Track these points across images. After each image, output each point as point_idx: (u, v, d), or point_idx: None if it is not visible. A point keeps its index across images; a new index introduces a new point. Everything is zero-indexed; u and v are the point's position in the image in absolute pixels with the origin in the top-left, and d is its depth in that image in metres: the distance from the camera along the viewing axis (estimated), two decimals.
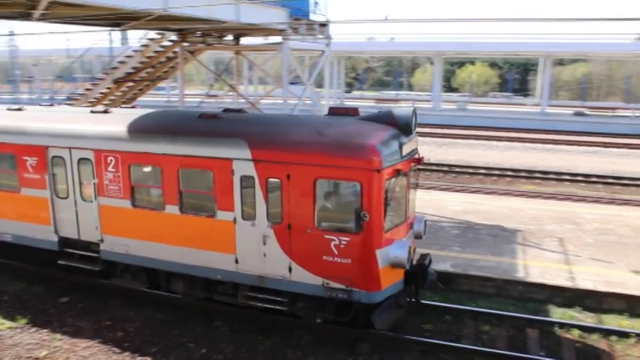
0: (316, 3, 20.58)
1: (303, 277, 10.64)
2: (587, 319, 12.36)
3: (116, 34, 52.30)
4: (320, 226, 10.35)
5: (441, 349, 10.82)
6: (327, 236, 10.31)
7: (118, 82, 21.16)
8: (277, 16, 18.19)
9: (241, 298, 11.54)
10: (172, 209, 11.68)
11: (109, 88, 21.19)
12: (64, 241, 13.36)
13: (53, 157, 13.00)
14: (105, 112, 13.73)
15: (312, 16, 20.39)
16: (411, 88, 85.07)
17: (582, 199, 23.00)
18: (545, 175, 28.41)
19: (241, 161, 10.78)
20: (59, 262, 13.41)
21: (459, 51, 56.73)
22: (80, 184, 12.78)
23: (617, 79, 75.09)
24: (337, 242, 10.26)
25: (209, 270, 11.56)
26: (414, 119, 10.94)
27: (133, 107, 15.27)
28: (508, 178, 27.83)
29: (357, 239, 10.13)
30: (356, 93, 77.22)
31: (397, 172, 10.34)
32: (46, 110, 15.10)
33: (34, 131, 13.23)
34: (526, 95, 72.92)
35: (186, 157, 11.33)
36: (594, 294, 12.96)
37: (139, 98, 23.70)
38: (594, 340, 11.32)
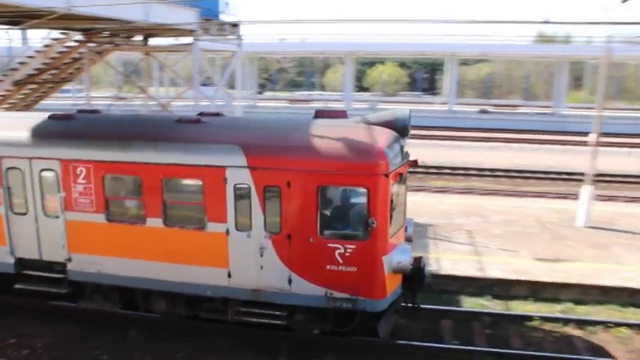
0: (227, 3, 20.38)
1: (305, 289, 10.16)
2: (497, 306, 12.99)
3: (15, 33, 49.43)
4: (323, 235, 9.90)
5: (359, 346, 10.87)
6: (331, 245, 9.88)
7: (18, 84, 20.01)
8: (187, 17, 17.87)
9: (232, 315, 10.86)
10: (155, 222, 10.76)
11: (8, 91, 19.99)
12: (22, 263, 11.93)
13: (8, 168, 11.57)
14: (69, 117, 12.31)
15: (223, 17, 20.19)
16: (323, 88, 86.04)
17: (489, 192, 24.15)
18: (454, 171, 29.57)
19: (235, 168, 10.10)
20: (16, 286, 11.94)
21: (370, 51, 58.03)
22: (42, 198, 11.51)
23: (517, 79, 79.45)
24: (342, 250, 9.85)
25: (197, 286, 10.76)
26: (410, 121, 10.75)
27: (95, 111, 13.51)
28: (419, 175, 28.74)
29: (363, 246, 9.77)
30: (268, 94, 77.18)
31: (400, 176, 10.23)
32: None
33: None
34: (434, 94, 75.63)
35: (171, 166, 10.48)
36: (502, 282, 13.68)
37: (42, 102, 22.51)
38: (503, 326, 11.92)
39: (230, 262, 10.48)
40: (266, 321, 10.62)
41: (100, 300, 11.87)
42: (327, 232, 9.92)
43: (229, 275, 10.52)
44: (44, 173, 11.36)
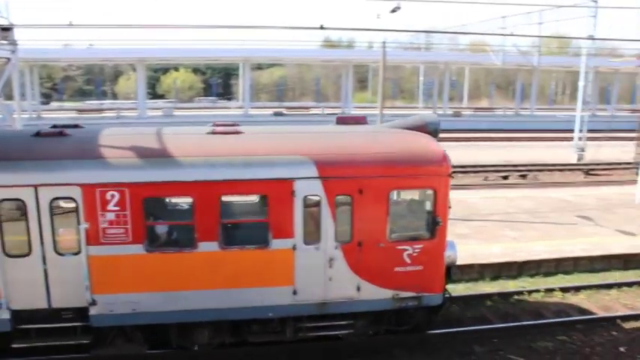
0: None
1: (373, 294, 10.21)
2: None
3: None
4: (392, 238, 10.10)
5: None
6: (399, 247, 10.15)
7: None
8: None
9: (290, 333, 10.40)
10: (209, 246, 9.58)
11: None
12: (19, 316, 9.47)
13: (2, 200, 9.11)
14: (74, 126, 10.11)
15: None
16: (115, 96, 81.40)
17: None
18: None
19: (305, 180, 9.65)
20: (14, 345, 9.56)
21: (161, 57, 56.31)
22: (53, 232, 9.27)
23: (309, 82, 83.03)
24: (410, 251, 10.19)
25: (257, 310, 10.01)
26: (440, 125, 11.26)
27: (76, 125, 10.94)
28: None
29: (430, 245, 10.27)
30: (55, 104, 70.65)
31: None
32: None
33: None
34: (230, 99, 75.78)
35: (230, 182, 9.49)
36: None
37: None
38: None
39: (296, 279, 9.98)
40: (330, 333, 10.49)
41: (122, 344, 10.12)
42: (395, 236, 10.15)
43: (294, 292, 10.04)
44: (57, 202, 9.28)
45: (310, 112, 59.36)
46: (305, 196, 9.74)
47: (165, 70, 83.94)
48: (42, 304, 9.49)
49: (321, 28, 10.85)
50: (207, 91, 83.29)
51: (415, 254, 10.26)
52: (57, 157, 9.32)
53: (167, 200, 10.32)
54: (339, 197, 9.86)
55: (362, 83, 79.92)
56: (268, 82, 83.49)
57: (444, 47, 61.58)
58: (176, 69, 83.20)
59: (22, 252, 9.30)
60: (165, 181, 9.39)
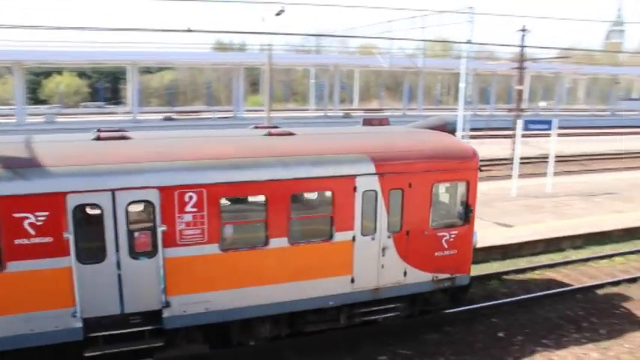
0: None
1: (417, 277, 11.52)
2: None
3: None
4: (433, 226, 11.49)
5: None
6: (439, 234, 11.59)
7: None
8: None
9: (344, 319, 11.37)
10: (279, 242, 10.18)
11: None
12: (90, 324, 9.31)
13: (78, 206, 8.97)
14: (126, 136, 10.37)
15: None
16: None
17: None
18: None
19: (364, 176, 10.64)
20: (86, 354, 9.32)
21: (42, 60, 53.10)
22: (129, 236, 9.26)
23: (200, 85, 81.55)
24: (448, 237, 11.65)
25: (319, 300, 10.76)
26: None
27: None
28: None
29: (464, 231, 11.87)
30: None
31: None
32: (49, 138, 10.58)
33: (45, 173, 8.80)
34: (118, 103, 72.76)
35: (300, 180, 10.19)
36: None
37: None
38: None
39: (354, 268, 10.90)
40: (379, 316, 11.61)
41: (185, 345, 10.29)
42: (436, 224, 11.57)
43: (352, 281, 10.95)
44: (133, 206, 9.38)
45: (201, 117, 58.30)
46: (364, 191, 10.76)
47: (47, 73, 79.08)
48: (114, 310, 9.40)
49: (189, 30, 10.72)
50: (94, 95, 79.55)
51: (451, 240, 11.79)
52: (134, 161, 9.41)
53: (245, 199, 10.63)
54: (392, 191, 11.02)
55: (255, 86, 79.66)
56: (159, 86, 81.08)
57: (335, 50, 62.82)
58: (60, 72, 78.64)
59: (96, 258, 9.22)
60: (241, 181, 9.79)
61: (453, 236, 11.80)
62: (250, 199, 10.53)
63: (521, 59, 32.01)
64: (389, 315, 11.75)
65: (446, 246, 11.77)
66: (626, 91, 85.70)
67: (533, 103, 66.82)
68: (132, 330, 9.55)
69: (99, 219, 9.18)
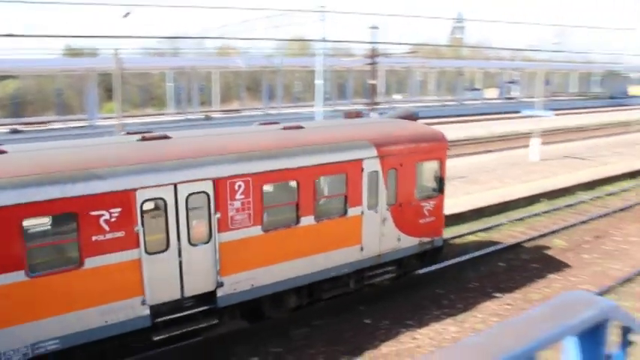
0: None
1: (408, 242, 13.73)
2: None
3: None
4: (418, 198, 13.80)
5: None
6: (422, 204, 13.92)
7: None
8: None
9: (353, 284, 13.19)
10: (308, 220, 11.81)
11: None
12: (155, 310, 10.08)
13: (146, 200, 9.75)
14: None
15: None
16: None
17: None
18: None
19: (369, 159, 12.62)
20: (155, 339, 10.17)
21: None
22: (188, 225, 10.21)
23: (50, 93, 76.10)
24: (428, 206, 14.00)
25: (337, 268, 12.47)
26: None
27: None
28: None
29: (439, 200, 14.28)
30: None
31: None
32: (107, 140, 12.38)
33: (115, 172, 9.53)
34: None
35: (322, 166, 11.88)
36: None
37: None
38: None
39: (363, 238, 12.78)
40: (381, 278, 13.76)
41: (229, 322, 11.52)
42: (419, 196, 13.85)
43: (361, 249, 12.84)
44: (193, 197, 10.29)
45: (53, 127, 54.40)
46: (369, 172, 12.73)
47: None
48: (176, 295, 10.28)
49: (9, 35, 9.84)
50: None
51: (430, 208, 14.19)
52: (191, 156, 10.40)
53: (281, 185, 11.88)
54: (389, 171, 13.11)
55: (110, 92, 75.78)
56: (2, 96, 74.48)
57: (192, 52, 61.46)
58: None
59: (160, 248, 10.05)
60: (279, 169, 11.24)
61: (431, 205, 14.29)
62: (287, 184, 11.92)
63: (374, 55, 33.39)
64: (386, 277, 13.98)
65: (427, 214, 14.21)
66: (470, 82, 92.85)
67: (389, 97, 70.09)
68: (192, 312, 10.55)
69: (163, 211, 10.05)
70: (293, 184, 11.72)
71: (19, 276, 8.61)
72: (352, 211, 12.59)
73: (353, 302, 13.75)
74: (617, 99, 78.90)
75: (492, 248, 17.66)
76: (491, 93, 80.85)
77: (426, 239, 14.26)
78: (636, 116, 47.07)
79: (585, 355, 1.96)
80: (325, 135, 12.88)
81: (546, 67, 66.83)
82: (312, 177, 11.79)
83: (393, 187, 13.32)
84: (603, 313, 1.91)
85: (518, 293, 14.80)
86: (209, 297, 10.74)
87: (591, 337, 1.93)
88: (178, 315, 10.45)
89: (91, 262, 9.27)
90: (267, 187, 11.35)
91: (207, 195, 10.42)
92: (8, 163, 9.18)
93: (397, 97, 73.01)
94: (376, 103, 32.57)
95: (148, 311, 9.96)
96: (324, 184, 12.80)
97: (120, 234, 9.49)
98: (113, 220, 9.39)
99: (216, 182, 10.43)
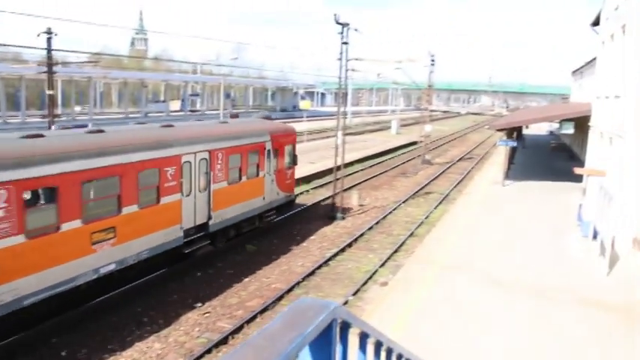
0: None
1: (282, 195, 22.20)
2: None
3: None
4: (285, 167, 22.29)
5: None
6: (287, 171, 22.54)
7: None
8: None
9: (259, 222, 20.96)
10: (243, 179, 19.28)
11: None
12: (184, 233, 16.50)
13: (184, 163, 16.40)
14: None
15: None
16: None
17: None
18: None
19: (267, 142, 20.68)
20: (186, 251, 16.69)
21: None
22: (198, 179, 17.00)
23: None
24: (289, 173, 22.91)
25: (252, 211, 20.06)
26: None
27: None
28: None
29: (293, 170, 23.44)
30: None
31: None
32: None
33: None
34: None
35: (238, 146, 18.80)
36: None
37: None
38: None
39: (264, 192, 20.69)
40: (272, 217, 21.93)
41: (222, 239, 18.79)
42: (285, 166, 22.40)
43: (263, 199, 20.73)
44: (202, 161, 16.84)
45: None
46: (268, 149, 20.66)
47: None
48: (191, 223, 16.56)
49: None
50: None
51: (289, 173, 22.88)
52: (199, 136, 17.28)
53: (233, 157, 18.80)
54: (274, 150, 21.07)
55: None
56: None
57: None
58: None
59: (188, 192, 16.29)
60: (232, 146, 18.64)
61: (290, 173, 23.00)
62: (236, 156, 18.77)
63: (50, 63, 30.69)
64: (273, 218, 22.08)
65: (288, 178, 22.81)
66: (154, 94, 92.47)
67: (68, 108, 65.26)
68: (200, 234, 17.06)
69: (191, 169, 16.32)
70: (237, 157, 18.69)
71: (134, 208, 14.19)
72: (261, 174, 20.37)
73: (44, 334, 12.45)
74: (289, 112, 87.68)
75: (188, 261, 17.90)
76: (176, 105, 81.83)
77: (289, 194, 23.08)
78: (307, 126, 53.18)
79: (317, 356, 2.15)
80: (244, 128, 20.50)
81: (227, 80, 70.49)
82: (245, 152, 19.25)
83: (275, 160, 21.32)
84: (330, 315, 2.12)
85: (216, 300, 15.32)
86: (205, 225, 17.25)
87: (323, 338, 2.13)
88: (196, 236, 16.86)
89: (163, 200, 15.22)
90: (232, 158, 18.36)
91: (207, 160, 17.05)
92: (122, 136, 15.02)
93: (78, 108, 68.34)
94: (56, 116, 29.99)
95: (181, 233, 16.09)
96: (250, 157, 19.49)
97: (174, 183, 15.56)
98: (172, 173, 15.43)
99: (211, 152, 17.22)
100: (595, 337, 11.90)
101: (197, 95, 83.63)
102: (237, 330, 13.35)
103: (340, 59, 25.11)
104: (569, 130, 34.75)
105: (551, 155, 48.07)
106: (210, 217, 17.25)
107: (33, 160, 11.29)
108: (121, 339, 12.76)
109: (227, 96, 73.82)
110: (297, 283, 16.54)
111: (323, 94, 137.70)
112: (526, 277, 15.58)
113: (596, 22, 29.78)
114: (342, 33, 24.46)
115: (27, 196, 11.19)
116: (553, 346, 11.41)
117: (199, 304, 14.91)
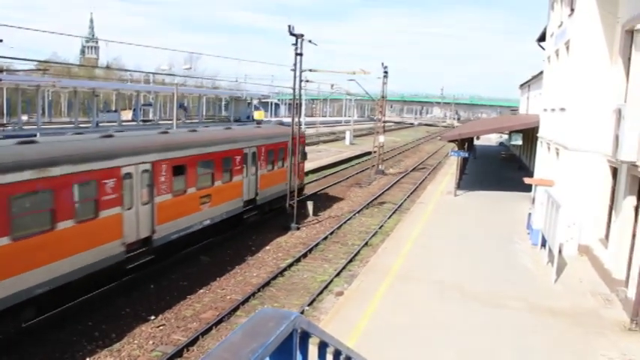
0: None
1: (298, 182, 27.19)
2: None
3: None
4: (299, 161, 27.87)
5: None
6: (300, 164, 28.45)
7: None
8: None
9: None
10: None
11: None
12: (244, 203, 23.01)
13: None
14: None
15: None
16: None
17: None
18: None
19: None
20: (245, 217, 23.37)
21: None
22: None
23: None
24: (302, 165, 29.26)
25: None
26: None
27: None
28: None
29: (304, 164, 30.45)
30: None
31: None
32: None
33: None
34: None
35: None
36: None
37: None
38: None
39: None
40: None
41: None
42: (300, 160, 28.39)
43: (286, 184, 26.18)
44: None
45: None
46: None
47: None
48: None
49: None
50: None
51: (302, 167, 29.30)
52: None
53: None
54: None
55: None
56: None
57: None
58: None
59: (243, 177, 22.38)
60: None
61: (301, 166, 28.35)
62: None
63: None
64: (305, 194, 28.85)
65: (301, 170, 28.59)
66: (105, 103, 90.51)
67: (14, 117, 63.11)
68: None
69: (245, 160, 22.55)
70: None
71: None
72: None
73: None
74: (243, 122, 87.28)
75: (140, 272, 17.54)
76: (128, 115, 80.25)
77: (301, 181, 28.62)
78: None
79: None
80: (277, 131, 26.81)
81: (180, 90, 69.66)
82: (276, 149, 25.75)
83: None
84: (291, 325, 2.14)
85: (170, 312, 15.06)
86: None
87: (283, 349, 2.14)
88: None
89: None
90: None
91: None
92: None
93: (25, 118, 66.23)
94: (2, 125, 28.99)
95: (242, 204, 22.48)
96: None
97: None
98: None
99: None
100: (544, 342, 12.24)
101: (150, 105, 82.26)
102: (192, 342, 13.14)
103: (294, 70, 25.22)
104: (518, 141, 35.70)
105: (502, 165, 49.36)
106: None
107: None
108: (71, 355, 12.39)
109: (181, 106, 72.95)
110: (253, 294, 16.42)
111: (277, 105, 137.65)
112: (478, 285, 15.90)
113: (542, 38, 30.88)
114: (295, 44, 24.59)
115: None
116: (504, 352, 11.67)
117: (153, 317, 14.62)
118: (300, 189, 27.67)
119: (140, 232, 15.93)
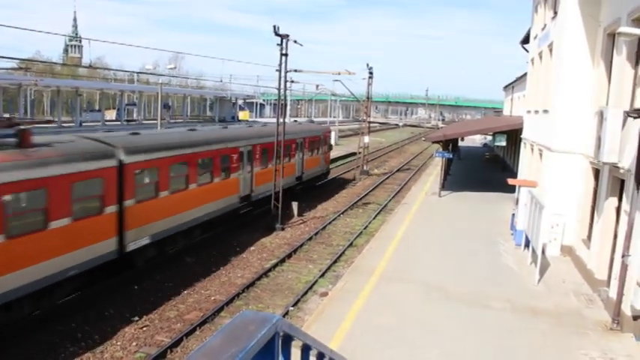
0: None
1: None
2: None
3: None
4: (326, 150, 37.81)
5: None
6: (328, 152, 39.07)
7: None
8: None
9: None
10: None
11: None
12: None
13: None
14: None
15: None
16: None
17: None
18: None
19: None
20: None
21: None
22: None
23: None
24: (328, 154, 39.15)
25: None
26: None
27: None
28: None
29: (330, 152, 40.39)
30: None
31: None
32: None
33: None
34: None
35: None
36: None
37: None
38: None
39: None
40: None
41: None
42: (327, 149, 38.35)
43: (320, 167, 36.26)
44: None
45: None
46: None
47: None
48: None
49: None
50: None
51: (328, 154, 39.71)
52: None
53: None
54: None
55: None
56: None
57: None
58: None
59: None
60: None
61: (329, 153, 39.18)
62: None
63: None
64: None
65: (328, 157, 38.53)
66: (89, 103, 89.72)
67: None
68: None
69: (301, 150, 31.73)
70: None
71: None
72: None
73: None
74: (228, 122, 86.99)
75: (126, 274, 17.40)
76: (111, 114, 79.62)
77: (327, 166, 37.29)
78: None
79: None
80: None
81: (165, 90, 69.22)
82: (307, 141, 32.51)
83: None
84: (272, 328, 2.12)
85: (154, 314, 14.96)
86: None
87: (265, 352, 2.12)
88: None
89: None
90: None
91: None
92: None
93: (6, 116, 65.42)
94: None
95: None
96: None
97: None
98: None
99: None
100: (527, 342, 12.32)
101: (134, 105, 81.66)
102: (177, 343, 13.06)
103: (279, 70, 25.17)
104: (502, 142, 35.97)
105: (486, 166, 49.68)
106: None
107: None
108: (53, 356, 12.24)
109: (165, 105, 72.47)
110: (237, 295, 16.36)
111: (262, 105, 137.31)
112: (463, 285, 15.97)
113: (525, 40, 31.13)
114: (281, 44, 24.54)
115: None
116: (488, 352, 11.73)
117: (137, 318, 14.51)
118: (326, 173, 38.36)
119: (246, 190, 24.06)
